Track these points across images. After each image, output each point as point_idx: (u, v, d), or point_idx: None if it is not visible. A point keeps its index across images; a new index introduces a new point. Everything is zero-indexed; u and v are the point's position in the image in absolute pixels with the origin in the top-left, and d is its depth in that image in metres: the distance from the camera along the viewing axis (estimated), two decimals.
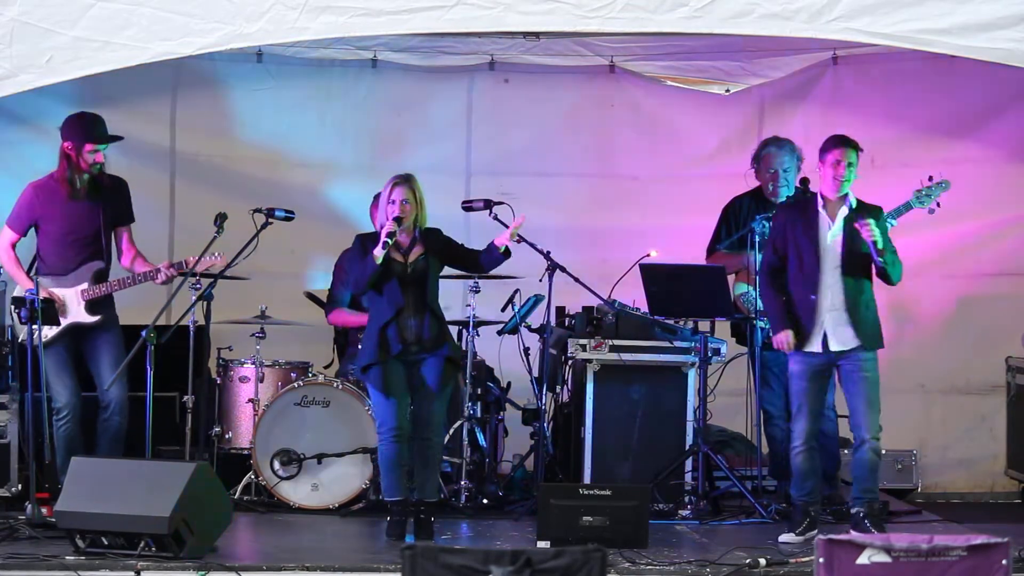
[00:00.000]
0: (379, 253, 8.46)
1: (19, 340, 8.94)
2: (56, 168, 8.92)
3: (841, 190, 8.63)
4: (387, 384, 8.57)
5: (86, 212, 8.90)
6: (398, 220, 8.51)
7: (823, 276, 8.65)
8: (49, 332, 8.78)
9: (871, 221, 8.55)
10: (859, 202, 8.69)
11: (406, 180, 8.64)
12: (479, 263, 8.79)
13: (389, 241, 8.45)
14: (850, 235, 8.61)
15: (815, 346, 8.64)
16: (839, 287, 8.62)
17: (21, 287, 8.84)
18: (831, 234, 8.65)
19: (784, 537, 8.64)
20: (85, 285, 8.88)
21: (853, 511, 8.72)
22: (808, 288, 8.65)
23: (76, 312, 8.88)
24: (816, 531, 8.49)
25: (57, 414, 8.79)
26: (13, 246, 8.96)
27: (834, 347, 8.61)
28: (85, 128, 8.86)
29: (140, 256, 9.04)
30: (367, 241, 8.65)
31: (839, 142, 8.70)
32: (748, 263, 9.57)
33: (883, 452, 9.01)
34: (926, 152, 10.86)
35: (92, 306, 8.89)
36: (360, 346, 8.93)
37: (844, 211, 8.65)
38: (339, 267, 10.03)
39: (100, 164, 8.87)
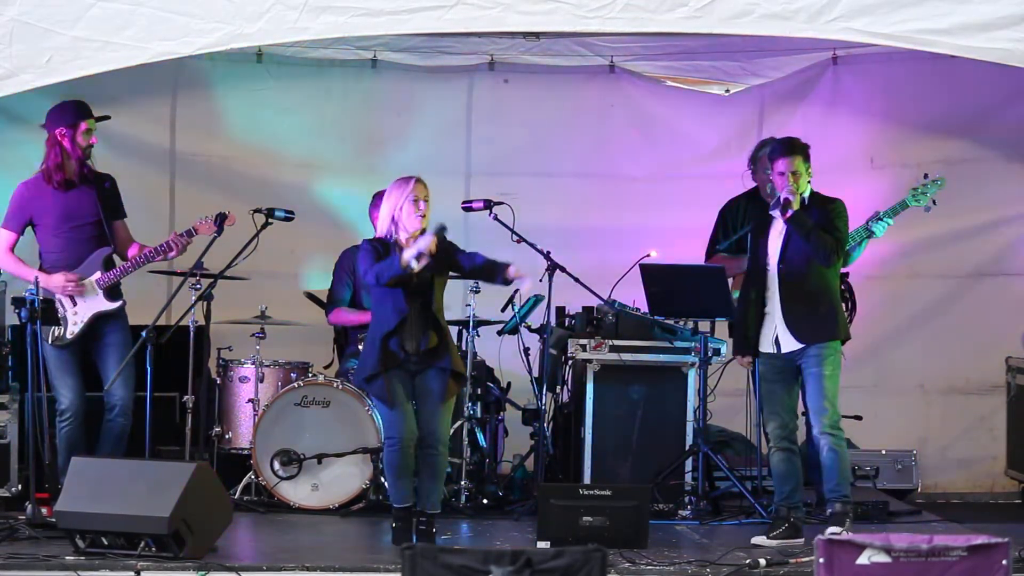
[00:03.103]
0: (415, 265, 8.17)
1: (47, 340, 8.83)
2: (43, 161, 8.87)
3: (791, 202, 8.50)
4: (391, 395, 8.38)
5: (81, 199, 8.86)
6: (442, 230, 8.27)
7: (769, 276, 8.64)
8: (75, 329, 8.78)
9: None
10: (814, 196, 8.61)
11: (423, 181, 8.45)
12: (474, 267, 8.53)
13: (416, 264, 8.16)
14: (790, 233, 8.55)
15: (767, 347, 8.64)
16: (778, 286, 8.60)
17: (30, 283, 8.78)
18: (778, 234, 8.63)
19: (756, 539, 8.52)
20: (98, 274, 8.86)
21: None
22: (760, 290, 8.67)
23: (97, 301, 8.86)
24: (797, 539, 8.46)
25: (60, 416, 8.79)
26: (12, 247, 8.94)
27: (785, 348, 8.60)
28: (77, 109, 8.85)
29: (144, 247, 9.00)
30: (377, 245, 8.44)
31: (784, 150, 8.58)
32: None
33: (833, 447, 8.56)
34: (926, 152, 10.87)
35: (110, 293, 8.89)
36: (361, 355, 8.79)
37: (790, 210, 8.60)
38: (339, 267, 10.04)
39: (92, 146, 8.84)
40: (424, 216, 8.38)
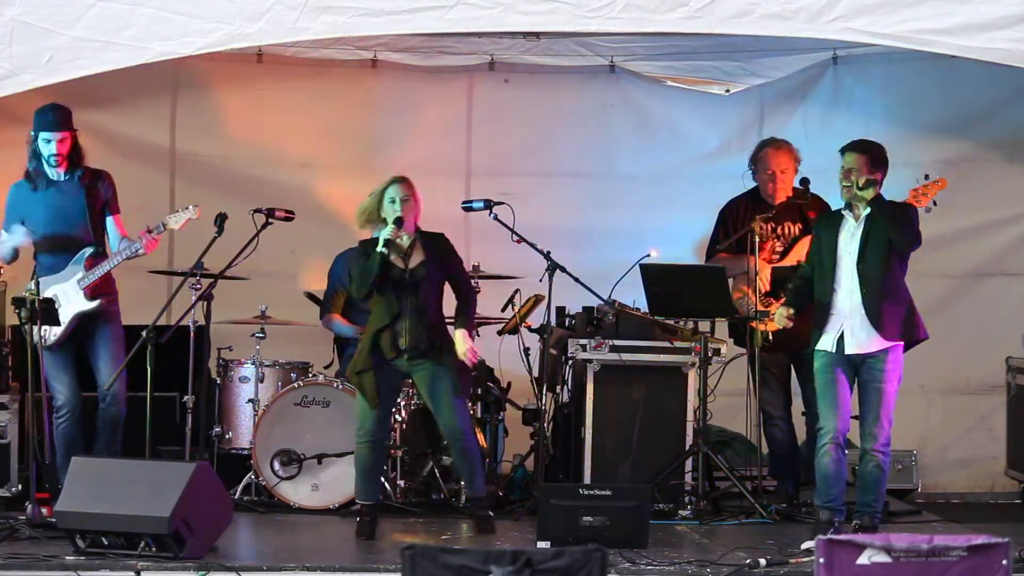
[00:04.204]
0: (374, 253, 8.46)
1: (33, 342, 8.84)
2: (27, 162, 8.91)
3: (844, 196, 8.58)
4: (374, 391, 8.54)
5: (66, 199, 8.87)
6: (398, 221, 8.47)
7: (841, 276, 8.64)
8: (58, 331, 8.78)
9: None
10: (889, 202, 8.66)
11: (404, 178, 8.61)
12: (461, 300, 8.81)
13: (384, 251, 8.42)
14: (866, 233, 8.57)
15: (826, 345, 8.63)
16: (859, 285, 8.60)
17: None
18: (851, 234, 8.63)
19: (807, 544, 8.39)
20: (81, 274, 8.87)
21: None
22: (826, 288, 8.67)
23: (77, 301, 8.86)
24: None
25: (57, 413, 8.80)
26: None
27: (848, 350, 8.59)
28: (36, 117, 8.86)
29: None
30: (369, 246, 8.58)
31: (845, 148, 8.65)
32: (748, 266, 9.56)
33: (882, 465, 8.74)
34: (926, 152, 10.86)
35: (92, 292, 8.88)
36: (357, 348, 8.87)
37: (867, 210, 8.61)
38: (332, 273, 10.06)
39: (56, 156, 8.82)
40: (401, 216, 8.49)
